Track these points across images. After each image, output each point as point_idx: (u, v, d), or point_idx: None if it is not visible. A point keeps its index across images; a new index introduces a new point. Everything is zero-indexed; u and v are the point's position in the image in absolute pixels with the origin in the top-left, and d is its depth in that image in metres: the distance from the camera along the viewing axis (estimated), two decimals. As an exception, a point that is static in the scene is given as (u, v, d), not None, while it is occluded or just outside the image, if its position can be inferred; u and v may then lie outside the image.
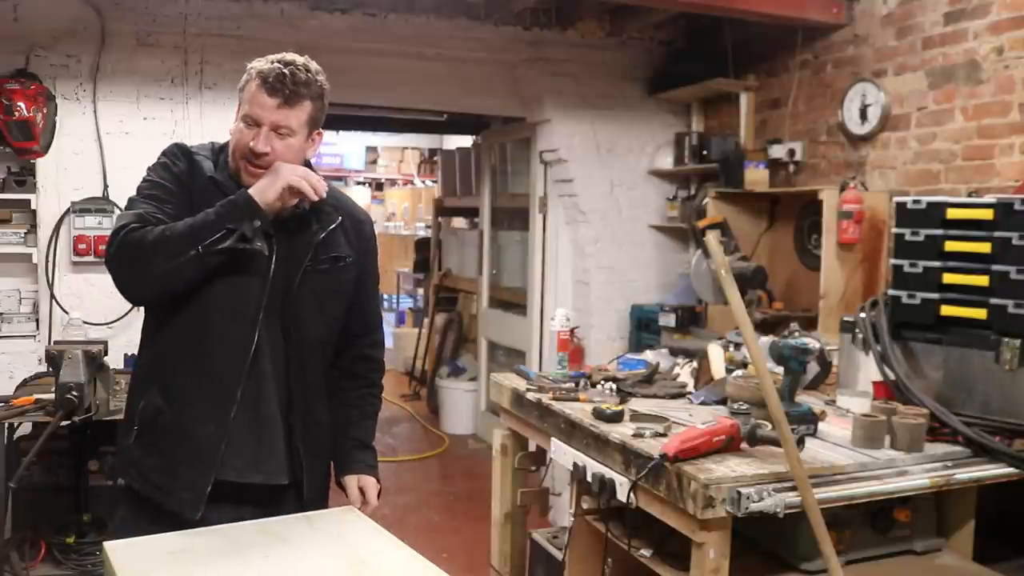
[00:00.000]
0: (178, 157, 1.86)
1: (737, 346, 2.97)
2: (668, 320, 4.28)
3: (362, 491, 1.99)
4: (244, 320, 1.80)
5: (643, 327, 4.71)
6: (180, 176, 1.84)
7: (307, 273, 1.87)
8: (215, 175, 1.84)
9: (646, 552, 2.25)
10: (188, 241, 1.71)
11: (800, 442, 2.08)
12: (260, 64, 1.79)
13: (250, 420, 1.83)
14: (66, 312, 3.89)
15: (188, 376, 1.82)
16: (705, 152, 4.64)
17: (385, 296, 14.07)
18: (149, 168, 1.89)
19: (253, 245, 1.72)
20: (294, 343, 1.88)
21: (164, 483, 1.81)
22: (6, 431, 3.19)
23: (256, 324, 1.81)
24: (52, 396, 3.01)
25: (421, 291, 9.69)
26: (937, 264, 2.48)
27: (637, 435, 2.24)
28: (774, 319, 3.74)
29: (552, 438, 2.60)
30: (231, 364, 1.80)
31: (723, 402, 2.58)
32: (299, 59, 1.81)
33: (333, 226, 1.93)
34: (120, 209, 3.97)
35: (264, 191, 1.74)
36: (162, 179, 1.84)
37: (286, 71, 1.76)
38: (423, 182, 14.46)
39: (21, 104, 3.72)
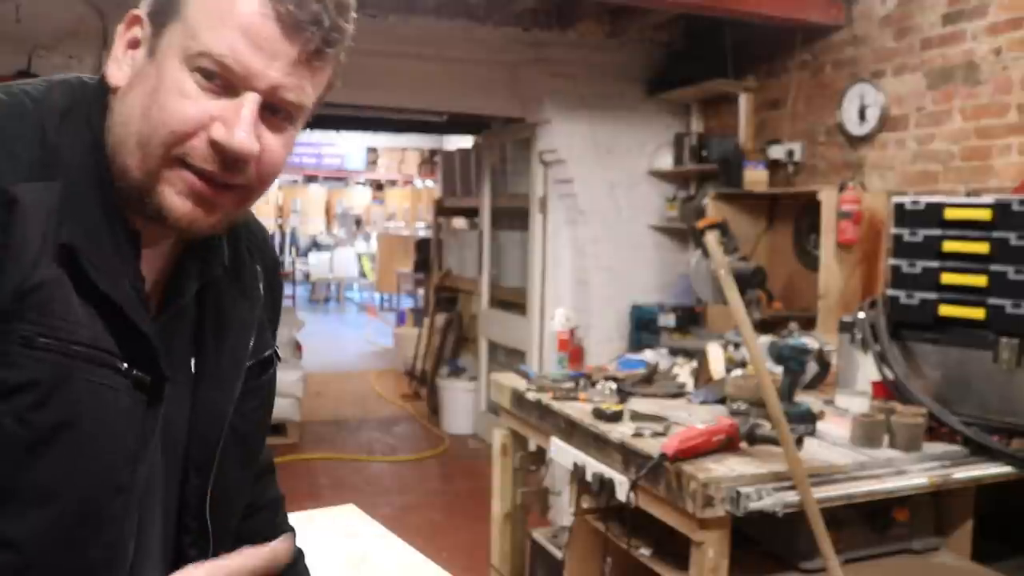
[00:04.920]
0: None
1: (736, 346, 2.97)
2: (668, 320, 4.29)
3: None
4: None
5: (643, 327, 4.71)
6: None
7: (231, 417, 0.97)
8: (68, 236, 0.80)
9: (646, 551, 2.26)
10: None
11: (799, 442, 2.09)
12: None
13: None
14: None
15: None
16: (705, 152, 4.65)
17: (385, 296, 14.03)
18: None
19: None
20: (207, 534, 0.97)
21: None
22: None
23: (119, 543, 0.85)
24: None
25: (421, 291, 9.69)
26: (935, 264, 2.49)
27: (637, 435, 2.25)
28: (773, 319, 3.74)
29: (552, 438, 2.60)
30: None
31: (722, 402, 2.58)
32: None
33: (260, 304, 1.02)
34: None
35: None
36: None
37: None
38: (423, 182, 14.49)
39: (22, 105, 3.73)
